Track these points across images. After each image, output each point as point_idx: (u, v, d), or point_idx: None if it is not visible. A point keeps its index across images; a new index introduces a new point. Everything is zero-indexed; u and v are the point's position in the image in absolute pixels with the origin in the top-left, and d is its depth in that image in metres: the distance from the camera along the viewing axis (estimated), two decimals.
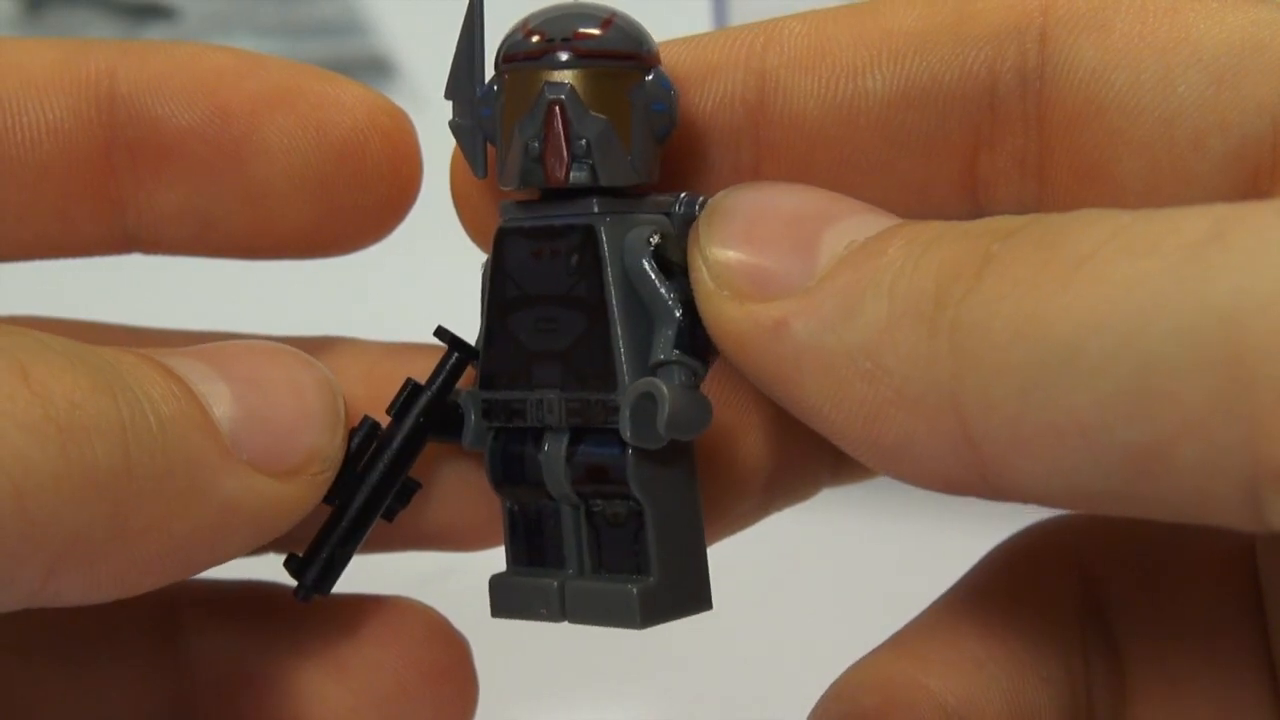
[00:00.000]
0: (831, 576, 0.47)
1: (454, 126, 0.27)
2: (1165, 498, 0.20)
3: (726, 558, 0.28)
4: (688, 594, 0.26)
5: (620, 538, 0.26)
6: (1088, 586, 0.28)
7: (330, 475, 0.27)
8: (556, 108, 0.25)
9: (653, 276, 0.25)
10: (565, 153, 0.25)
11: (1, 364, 0.23)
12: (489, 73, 0.27)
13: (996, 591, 0.28)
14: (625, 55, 0.26)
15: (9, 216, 0.28)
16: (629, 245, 0.25)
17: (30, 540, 0.22)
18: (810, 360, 0.23)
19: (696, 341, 0.25)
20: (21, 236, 0.29)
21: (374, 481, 0.27)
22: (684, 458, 0.26)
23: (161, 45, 0.29)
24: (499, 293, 0.26)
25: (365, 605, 0.29)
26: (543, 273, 0.26)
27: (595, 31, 0.26)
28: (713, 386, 0.27)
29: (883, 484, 0.28)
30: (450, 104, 0.27)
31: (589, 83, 0.25)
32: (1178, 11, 0.25)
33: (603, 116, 0.25)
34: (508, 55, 0.26)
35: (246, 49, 0.29)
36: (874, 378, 0.22)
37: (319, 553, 0.27)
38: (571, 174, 0.25)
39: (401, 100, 0.29)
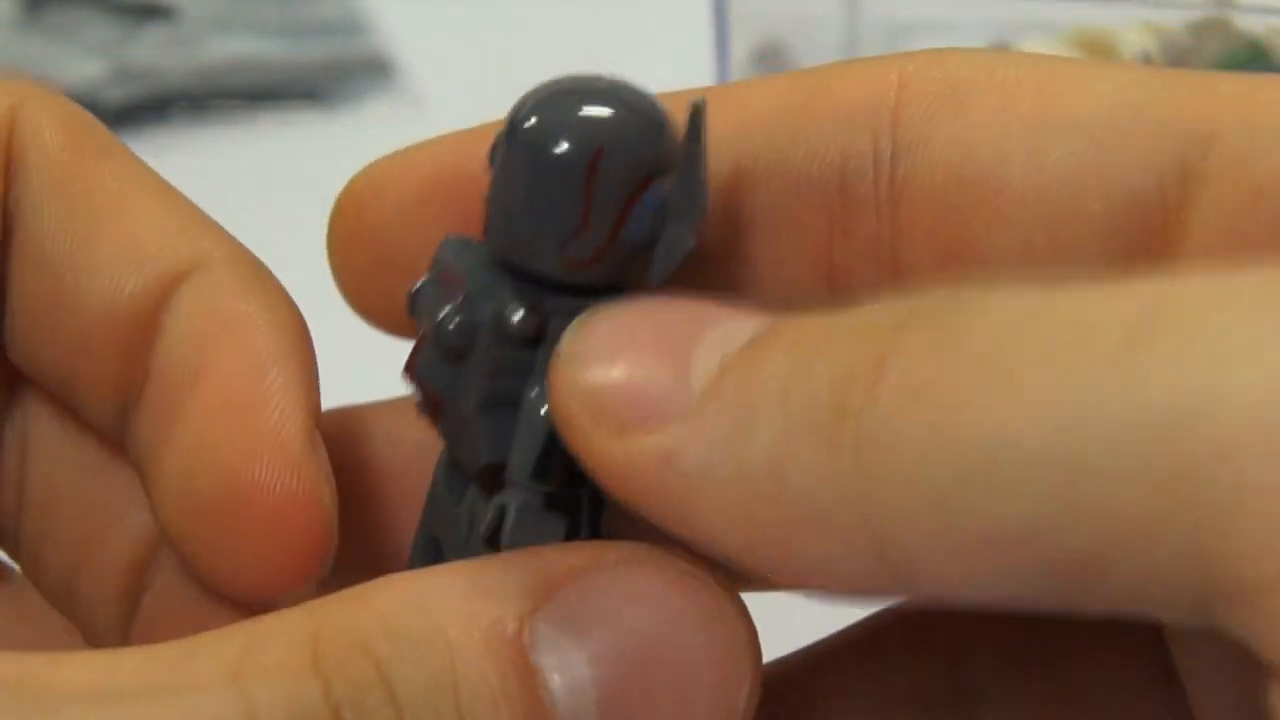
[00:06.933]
0: None
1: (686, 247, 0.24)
2: (1102, 604, 0.19)
3: None
4: None
5: None
6: (953, 662, 0.27)
7: None
8: None
9: None
10: None
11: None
12: None
13: (842, 660, 0.27)
14: None
15: None
16: None
17: None
18: (707, 489, 0.21)
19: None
20: None
21: None
22: None
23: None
24: None
25: None
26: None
27: None
28: None
29: None
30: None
31: None
32: (1042, 83, 0.24)
33: None
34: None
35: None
36: (779, 500, 0.21)
37: None
38: None
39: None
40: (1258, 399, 0.18)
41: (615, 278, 0.24)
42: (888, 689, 0.27)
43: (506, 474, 0.24)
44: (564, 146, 0.24)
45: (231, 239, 0.27)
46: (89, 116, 0.28)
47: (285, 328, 0.26)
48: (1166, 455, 0.18)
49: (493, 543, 0.24)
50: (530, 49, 0.47)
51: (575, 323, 0.23)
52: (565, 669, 0.21)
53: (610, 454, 0.22)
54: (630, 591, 0.22)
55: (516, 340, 0.24)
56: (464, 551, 0.25)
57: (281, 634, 0.21)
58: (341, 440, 0.28)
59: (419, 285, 0.25)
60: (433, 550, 0.26)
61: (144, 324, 0.26)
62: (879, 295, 0.23)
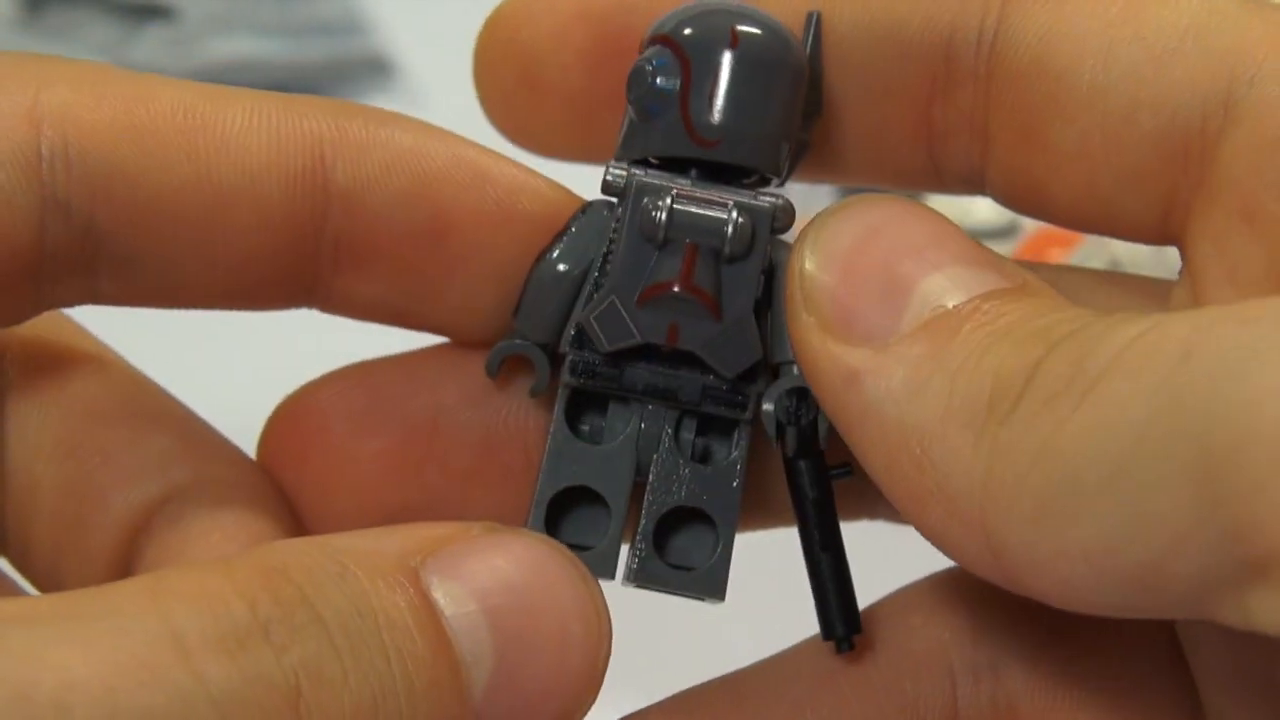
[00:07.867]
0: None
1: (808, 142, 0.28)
2: (1167, 607, 0.21)
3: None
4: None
5: None
6: (975, 637, 0.28)
7: None
8: None
9: None
10: None
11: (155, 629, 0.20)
12: None
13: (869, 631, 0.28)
14: None
15: (201, 289, 0.28)
16: None
17: None
18: (873, 423, 0.24)
19: None
20: (208, 300, 0.28)
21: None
22: None
23: (378, 129, 0.27)
24: None
25: None
26: None
27: None
28: None
29: None
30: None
31: None
32: None
33: None
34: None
35: (460, 141, 0.28)
36: (921, 465, 0.23)
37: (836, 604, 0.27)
38: None
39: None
40: (1267, 396, 0.19)
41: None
42: (911, 660, 0.28)
43: (781, 362, 0.27)
44: (792, 53, 0.27)
45: None
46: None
47: None
48: (1200, 462, 0.19)
49: (795, 420, 0.26)
50: None
51: (823, 214, 0.26)
52: (457, 605, 0.23)
53: (809, 341, 0.25)
54: (501, 551, 0.24)
55: (781, 234, 0.27)
56: (658, 476, 0.27)
57: (192, 569, 0.22)
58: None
59: (667, 209, 0.27)
60: (570, 502, 0.27)
61: None
62: (971, 164, 0.27)
